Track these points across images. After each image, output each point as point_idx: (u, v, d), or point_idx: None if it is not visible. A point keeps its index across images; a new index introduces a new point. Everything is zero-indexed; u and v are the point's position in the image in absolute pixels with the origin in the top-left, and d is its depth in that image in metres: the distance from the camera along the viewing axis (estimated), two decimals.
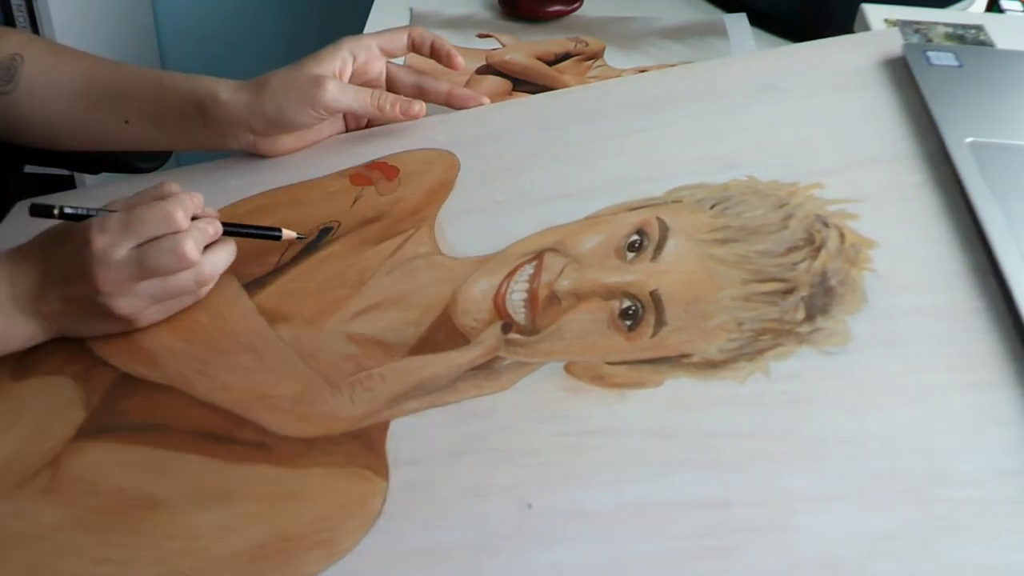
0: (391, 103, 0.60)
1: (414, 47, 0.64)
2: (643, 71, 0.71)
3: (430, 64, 0.66)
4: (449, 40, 0.77)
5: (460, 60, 0.63)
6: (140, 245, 0.49)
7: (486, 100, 0.64)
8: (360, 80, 0.62)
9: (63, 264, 0.49)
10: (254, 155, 0.64)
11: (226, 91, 0.60)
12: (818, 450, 0.39)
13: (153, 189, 0.52)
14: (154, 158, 0.81)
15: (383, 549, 0.40)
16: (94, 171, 0.90)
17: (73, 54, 0.65)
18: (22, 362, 0.53)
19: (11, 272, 0.50)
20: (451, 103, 0.64)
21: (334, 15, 1.45)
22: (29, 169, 0.89)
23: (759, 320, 0.44)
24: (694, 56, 0.73)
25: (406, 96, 0.63)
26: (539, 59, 0.74)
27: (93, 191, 0.68)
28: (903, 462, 0.38)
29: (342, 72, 0.61)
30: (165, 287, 0.50)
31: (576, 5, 0.79)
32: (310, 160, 0.62)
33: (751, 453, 0.39)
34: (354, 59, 0.61)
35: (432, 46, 0.64)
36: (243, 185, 0.62)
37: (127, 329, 0.51)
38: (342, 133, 0.65)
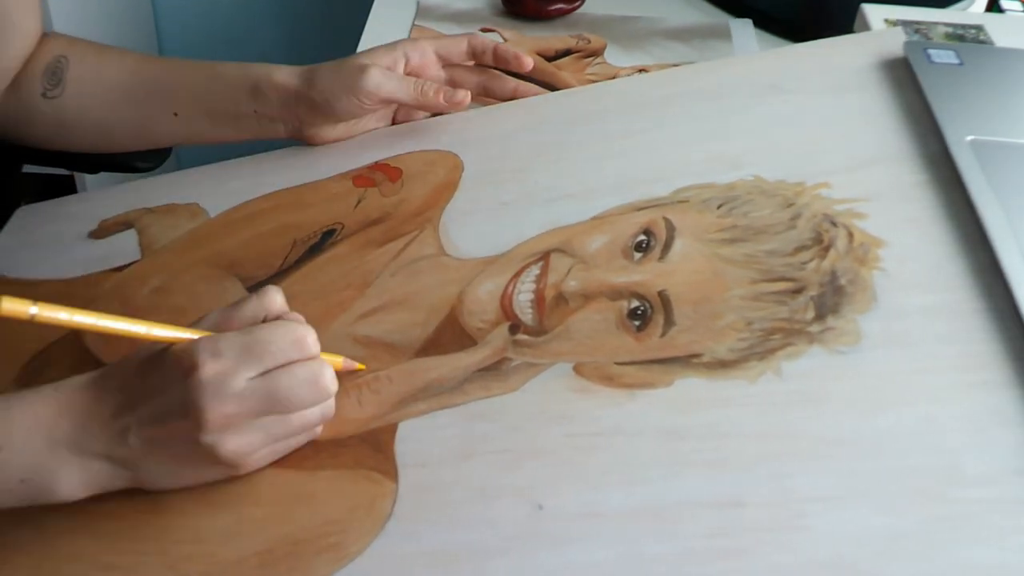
0: (435, 90, 0.59)
1: (474, 55, 0.63)
2: (642, 70, 0.71)
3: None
4: (450, 34, 0.78)
5: (528, 60, 0.62)
6: (263, 374, 0.40)
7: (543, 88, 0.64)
8: (421, 104, 0.61)
9: (156, 396, 0.40)
10: (256, 157, 0.64)
11: (280, 74, 0.59)
12: (830, 450, 0.39)
13: (255, 302, 0.42)
14: (153, 158, 0.80)
15: (393, 552, 0.40)
16: (92, 170, 0.90)
17: (118, 52, 0.64)
18: (27, 370, 0.52)
19: (82, 405, 0.41)
20: (517, 95, 0.64)
21: (335, 15, 1.45)
22: (28, 169, 0.89)
23: (769, 320, 0.44)
24: (696, 57, 0.73)
25: (472, 96, 0.62)
26: (540, 55, 0.74)
27: (85, 197, 0.67)
28: (914, 462, 0.38)
29: (393, 68, 0.60)
30: (288, 425, 0.41)
31: (578, 3, 0.79)
32: (313, 162, 0.62)
33: (762, 453, 0.39)
34: (407, 60, 0.60)
35: (495, 52, 0.62)
36: (246, 187, 0.62)
37: (222, 477, 0.42)
38: (386, 126, 0.64)
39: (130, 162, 0.77)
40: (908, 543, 0.36)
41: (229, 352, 0.40)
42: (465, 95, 0.59)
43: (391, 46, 0.61)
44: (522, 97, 0.64)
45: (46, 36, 0.65)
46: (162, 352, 0.41)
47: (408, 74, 0.60)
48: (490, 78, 0.64)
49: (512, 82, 0.64)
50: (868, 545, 0.36)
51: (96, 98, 0.62)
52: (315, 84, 0.59)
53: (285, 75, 0.59)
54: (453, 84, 0.63)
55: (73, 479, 0.41)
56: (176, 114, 0.62)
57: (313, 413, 0.42)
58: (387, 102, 0.60)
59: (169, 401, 0.40)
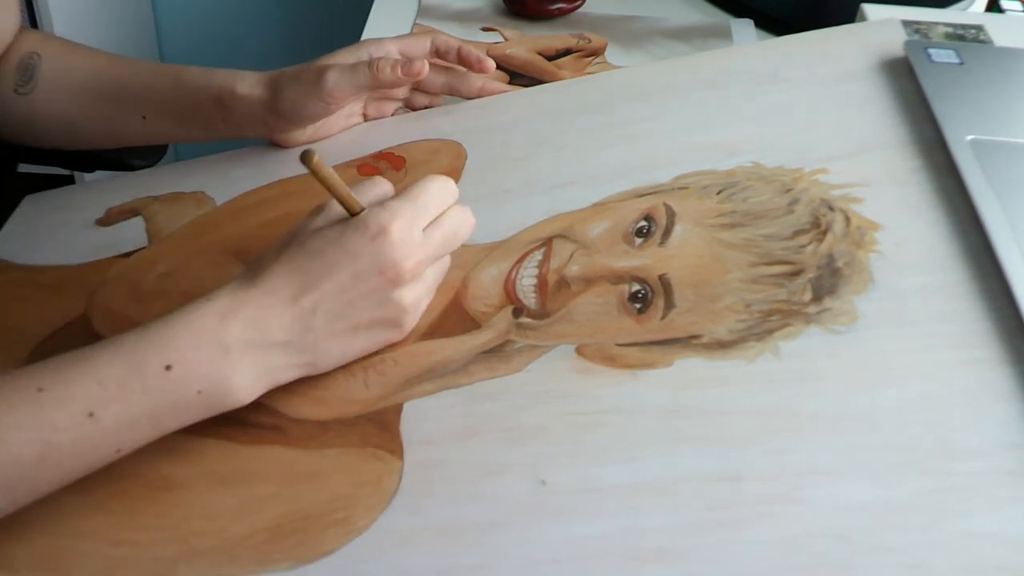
0: (390, 67, 0.58)
1: (438, 54, 0.63)
2: None
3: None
4: (453, 33, 0.79)
5: (490, 63, 0.63)
6: (432, 223, 0.46)
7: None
8: (380, 83, 0.61)
9: (344, 266, 0.43)
10: (260, 146, 0.65)
11: (243, 86, 0.60)
12: (827, 425, 0.40)
13: (381, 184, 0.48)
14: (150, 155, 0.81)
15: (399, 526, 0.40)
16: (89, 169, 0.91)
17: (89, 52, 0.65)
18: (37, 352, 0.53)
19: (252, 302, 0.43)
20: (484, 95, 0.64)
21: (335, 14, 1.45)
22: (27, 168, 0.90)
23: (767, 301, 0.45)
24: None
25: (434, 95, 0.63)
26: (540, 54, 0.74)
27: (92, 186, 0.68)
28: (909, 436, 0.39)
29: None
30: (443, 268, 0.48)
31: (579, 3, 0.80)
32: (317, 152, 0.63)
33: (760, 429, 0.40)
34: (370, 59, 0.60)
35: (459, 52, 0.62)
36: (249, 176, 0.62)
37: (388, 342, 0.47)
38: (360, 124, 0.65)
39: (127, 160, 0.78)
40: (903, 515, 0.37)
41: (404, 210, 0.44)
42: (423, 64, 0.59)
43: (355, 47, 0.61)
44: (489, 95, 0.64)
45: (20, 31, 0.65)
46: (331, 229, 0.45)
47: None
48: (455, 77, 0.64)
49: (478, 80, 0.64)
50: (864, 517, 0.37)
51: (66, 96, 0.63)
52: (280, 93, 0.59)
53: (248, 86, 0.60)
54: (418, 84, 0.64)
55: (248, 378, 0.43)
56: (144, 117, 0.63)
57: (452, 255, 0.48)
58: (351, 97, 0.61)
59: (361, 265, 0.43)
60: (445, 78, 0.64)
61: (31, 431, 0.39)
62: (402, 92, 0.65)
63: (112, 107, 0.63)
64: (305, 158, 0.43)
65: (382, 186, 0.48)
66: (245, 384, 0.42)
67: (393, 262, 0.44)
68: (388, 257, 0.44)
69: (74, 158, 0.84)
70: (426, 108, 0.65)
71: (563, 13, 0.79)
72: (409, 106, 0.66)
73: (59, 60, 0.63)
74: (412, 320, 0.47)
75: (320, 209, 0.46)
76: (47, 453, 0.40)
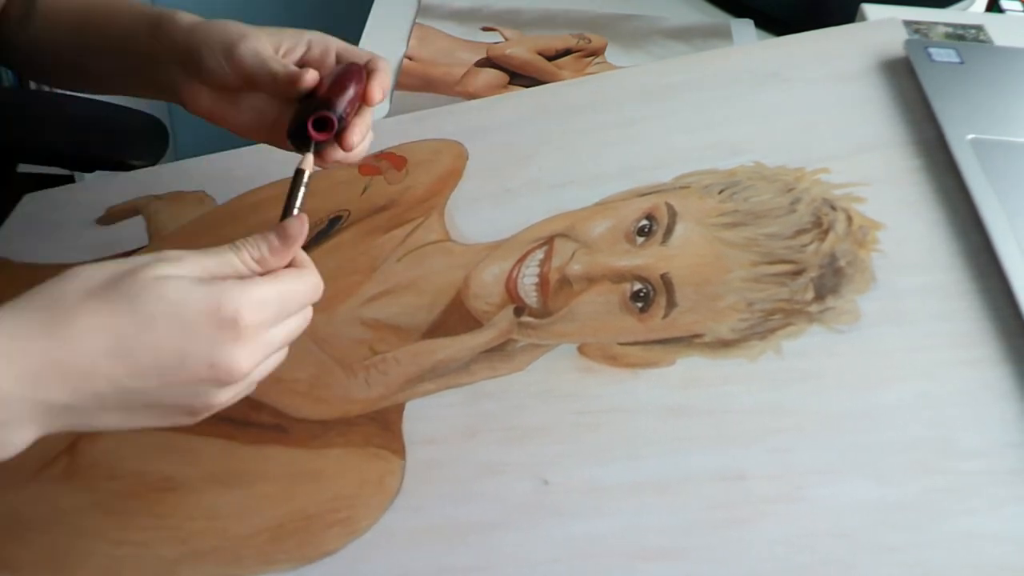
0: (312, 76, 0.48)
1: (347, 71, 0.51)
2: None
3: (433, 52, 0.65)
4: (454, 33, 0.79)
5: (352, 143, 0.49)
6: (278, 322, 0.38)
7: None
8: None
9: (183, 343, 0.35)
10: (260, 146, 0.65)
11: (186, 17, 0.52)
12: (829, 424, 0.40)
13: (294, 225, 0.40)
14: (149, 155, 0.81)
15: (402, 526, 0.40)
16: (89, 169, 0.91)
17: None
18: None
19: (54, 360, 0.35)
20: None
21: (336, 13, 1.45)
22: (27, 169, 0.90)
23: (769, 300, 0.45)
24: None
25: None
26: (540, 54, 0.75)
27: (92, 185, 0.68)
28: (911, 435, 0.39)
29: (289, 51, 0.52)
30: (268, 369, 0.39)
31: None
32: None
33: (763, 428, 0.40)
34: (308, 48, 0.53)
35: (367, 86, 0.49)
36: (250, 176, 0.62)
37: (174, 426, 0.38)
38: (264, 119, 0.53)
39: (126, 160, 0.78)
40: (904, 513, 0.37)
41: (267, 310, 0.37)
42: (314, 76, 0.48)
43: (299, 31, 0.54)
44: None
45: None
46: (177, 287, 0.36)
47: (302, 64, 0.51)
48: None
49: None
50: (866, 516, 0.37)
51: (54, 30, 0.59)
52: (201, 33, 0.51)
53: (188, 18, 0.52)
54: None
55: (27, 437, 0.36)
56: (101, 50, 0.56)
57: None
58: (243, 77, 0.50)
59: (193, 350, 0.35)
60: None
61: None
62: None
63: (81, 35, 0.58)
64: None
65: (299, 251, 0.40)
66: (12, 439, 0.35)
67: (230, 365, 0.36)
68: (226, 358, 0.36)
69: (74, 158, 0.84)
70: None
71: None
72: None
73: None
74: (208, 415, 0.39)
75: (162, 253, 0.37)
76: None
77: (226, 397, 0.37)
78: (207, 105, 0.53)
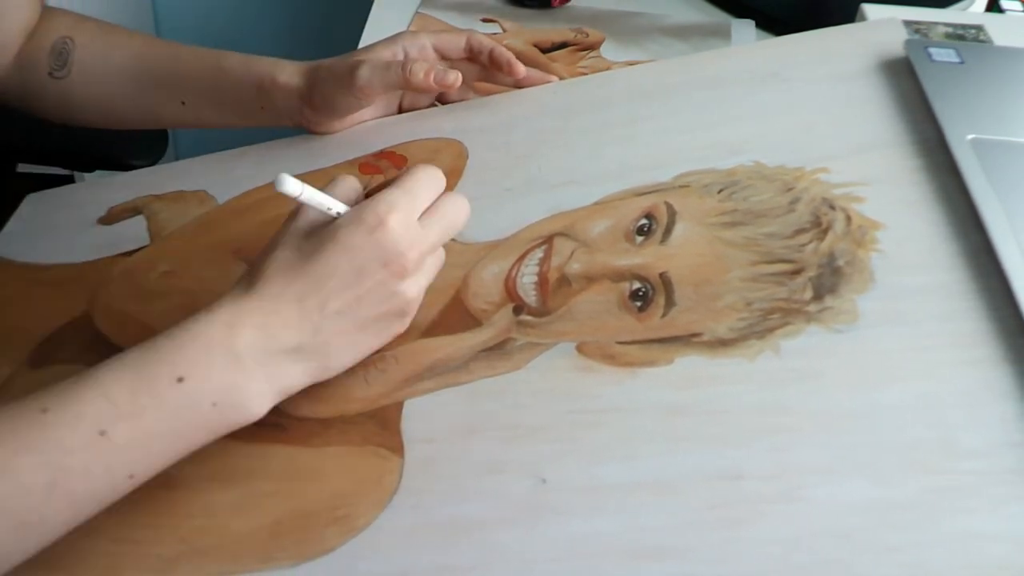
0: (424, 71, 0.58)
1: (471, 53, 0.63)
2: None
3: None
4: (454, 23, 0.79)
5: (521, 67, 0.62)
6: (425, 212, 0.44)
7: (553, 77, 0.64)
8: (410, 85, 0.60)
9: (343, 264, 0.42)
10: (261, 145, 0.65)
11: (283, 75, 0.60)
12: (828, 424, 0.40)
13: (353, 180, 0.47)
14: (150, 155, 0.81)
15: (400, 524, 0.40)
16: (89, 169, 0.91)
17: (125, 35, 0.64)
18: (39, 351, 0.53)
19: (256, 310, 0.41)
20: (522, 86, 0.64)
21: (335, 12, 1.46)
22: (27, 169, 0.90)
23: (768, 300, 0.45)
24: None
25: (472, 86, 0.63)
26: (536, 46, 0.75)
27: (93, 185, 0.68)
28: (910, 435, 0.39)
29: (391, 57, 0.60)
30: (441, 259, 0.46)
31: None
32: (319, 150, 0.63)
33: (762, 428, 0.40)
34: (405, 54, 0.61)
35: (491, 54, 0.62)
36: (251, 175, 0.63)
37: (393, 336, 0.45)
38: (396, 113, 0.65)
39: (125, 159, 0.78)
40: (904, 514, 0.37)
41: (400, 203, 0.43)
42: (456, 76, 0.59)
43: (391, 41, 0.61)
44: (527, 84, 0.64)
45: (50, 11, 0.65)
46: (323, 229, 0.43)
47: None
48: (491, 75, 0.64)
49: (519, 73, 0.63)
50: (864, 516, 0.37)
51: (103, 82, 0.63)
52: (315, 85, 0.60)
53: (287, 75, 0.60)
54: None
55: (263, 387, 0.41)
56: (183, 103, 0.63)
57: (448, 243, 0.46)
58: (382, 93, 0.61)
59: (362, 261, 0.42)
60: (478, 71, 0.64)
61: (39, 454, 0.37)
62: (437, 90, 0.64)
63: (149, 92, 0.63)
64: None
65: (350, 181, 0.47)
66: (259, 393, 0.41)
67: (397, 254, 0.42)
68: (391, 249, 0.42)
69: (74, 158, 0.84)
70: (458, 102, 0.65)
71: (562, 3, 0.79)
72: (446, 100, 0.65)
73: (94, 45, 0.63)
74: (415, 309, 0.45)
75: (298, 213, 0.45)
76: (57, 479, 0.37)
77: (416, 287, 0.44)
78: (343, 125, 0.63)
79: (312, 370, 0.43)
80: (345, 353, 0.44)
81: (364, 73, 0.58)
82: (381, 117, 0.64)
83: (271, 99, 0.61)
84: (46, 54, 0.63)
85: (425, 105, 0.65)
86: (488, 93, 0.65)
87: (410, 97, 0.65)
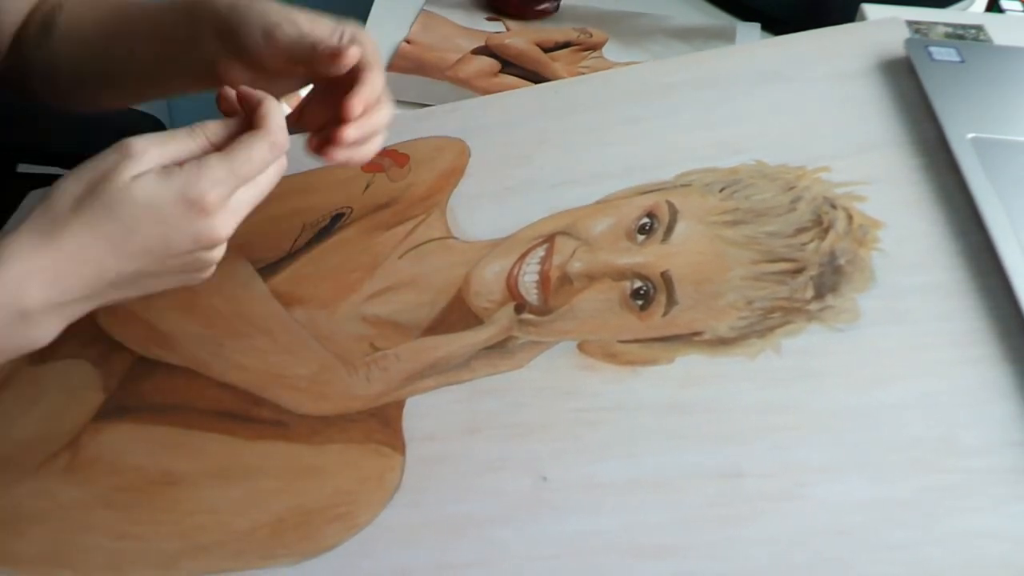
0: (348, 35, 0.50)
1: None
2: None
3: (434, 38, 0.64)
4: (459, 21, 0.79)
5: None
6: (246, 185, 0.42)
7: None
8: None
9: (165, 234, 0.40)
10: None
11: None
12: (829, 422, 0.40)
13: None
14: None
15: (401, 521, 0.41)
16: None
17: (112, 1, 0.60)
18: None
19: (56, 271, 0.40)
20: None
21: (336, 11, 1.45)
22: (24, 169, 0.90)
23: (769, 299, 0.45)
24: None
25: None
26: (539, 45, 0.75)
27: None
28: (911, 433, 0.39)
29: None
30: (257, 193, 0.44)
31: (556, 2, 0.80)
32: None
33: (763, 426, 0.40)
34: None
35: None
36: None
37: (192, 284, 0.44)
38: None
39: None
40: (904, 512, 0.37)
41: (226, 183, 0.41)
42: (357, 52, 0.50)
43: (337, 21, 0.52)
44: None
45: None
46: (145, 187, 0.40)
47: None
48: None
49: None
50: (865, 514, 0.37)
51: (76, 43, 0.60)
52: (238, 7, 0.52)
53: None
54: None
55: (49, 331, 0.41)
56: (132, 51, 0.57)
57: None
58: (285, 51, 0.51)
59: (176, 236, 0.40)
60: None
61: None
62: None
63: (108, 47, 0.58)
64: None
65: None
66: (45, 337, 0.41)
67: (210, 235, 0.41)
68: (205, 231, 0.41)
69: (73, 158, 0.84)
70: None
71: (547, 14, 0.80)
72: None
73: (79, 8, 0.61)
74: (212, 270, 0.44)
75: (126, 149, 0.41)
76: None
77: (218, 255, 0.43)
78: (245, 80, 0.52)
79: (90, 308, 0.42)
80: (131, 294, 0.43)
81: (289, 24, 0.50)
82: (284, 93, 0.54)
83: (199, 19, 0.53)
84: (37, 25, 0.62)
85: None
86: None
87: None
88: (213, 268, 0.44)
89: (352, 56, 0.48)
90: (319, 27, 0.50)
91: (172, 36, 0.55)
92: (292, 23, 0.50)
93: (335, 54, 0.48)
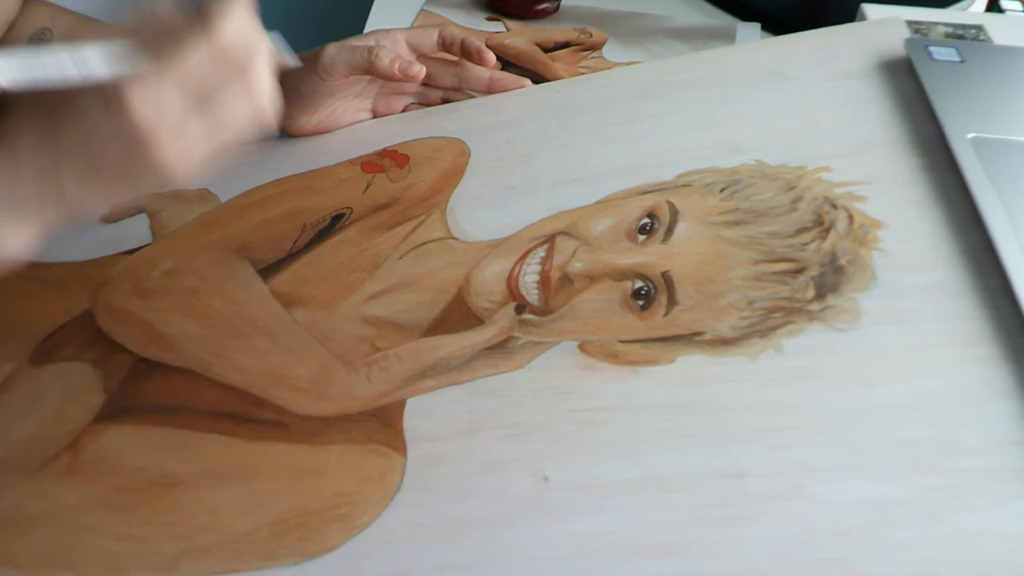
0: (390, 58, 0.58)
1: (444, 45, 0.63)
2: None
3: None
4: (458, 21, 0.79)
5: (490, 55, 0.62)
6: (205, 102, 0.38)
7: (527, 82, 0.63)
8: (375, 69, 0.61)
9: (88, 132, 0.37)
10: (263, 144, 0.65)
11: None
12: (830, 422, 0.40)
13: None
14: None
15: (402, 522, 0.41)
16: None
17: (104, 28, 0.63)
18: (40, 348, 0.53)
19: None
20: (493, 89, 0.64)
21: (336, 11, 1.45)
22: None
23: (770, 299, 0.45)
24: None
25: (448, 89, 0.63)
26: (539, 45, 0.75)
27: None
28: (912, 433, 0.39)
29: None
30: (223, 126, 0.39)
31: (556, 2, 0.80)
32: (321, 149, 0.63)
33: (764, 426, 0.40)
34: (377, 43, 0.61)
35: (462, 44, 0.62)
36: (253, 173, 0.63)
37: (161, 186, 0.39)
38: (368, 119, 0.65)
39: None
40: (905, 512, 0.37)
41: (157, 84, 0.36)
42: (421, 69, 0.59)
43: (364, 35, 0.61)
44: (499, 90, 0.64)
45: (31, 2, 0.64)
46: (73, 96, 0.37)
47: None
48: (462, 70, 0.64)
49: (484, 73, 0.63)
50: (866, 514, 0.37)
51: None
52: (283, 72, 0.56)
53: None
54: (430, 80, 0.64)
55: (19, 240, 0.39)
56: None
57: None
58: (347, 77, 0.60)
59: (100, 138, 0.37)
60: (452, 71, 0.64)
61: None
62: (411, 87, 0.65)
63: None
64: None
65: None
66: (17, 246, 0.39)
67: (137, 140, 0.36)
68: (130, 135, 0.36)
69: None
70: (442, 104, 0.65)
71: (547, 14, 0.80)
72: (423, 102, 0.66)
73: (73, 36, 0.62)
74: (182, 172, 0.38)
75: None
76: None
77: (171, 154, 0.37)
78: (314, 124, 0.63)
79: (63, 216, 0.39)
80: (94, 204, 0.40)
81: (330, 51, 0.58)
82: (352, 121, 0.64)
83: None
84: (24, 45, 0.63)
85: (399, 109, 0.65)
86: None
87: (384, 101, 0.64)
88: (175, 176, 0.38)
89: (420, 73, 0.60)
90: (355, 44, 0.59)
91: None
92: (328, 49, 0.58)
93: (404, 73, 0.60)
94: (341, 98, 0.62)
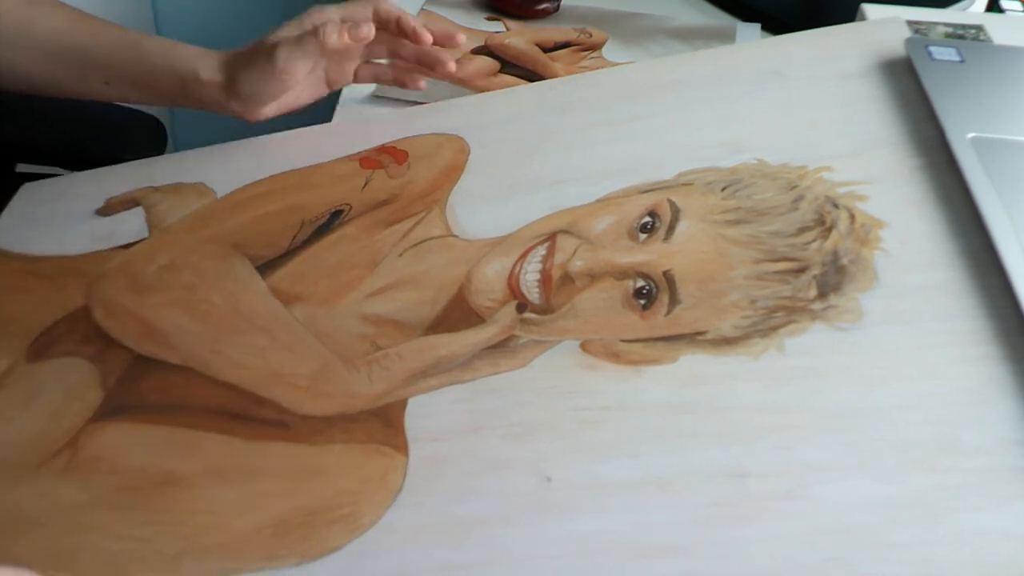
0: (336, 32, 0.58)
1: (379, 22, 0.61)
2: None
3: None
4: (459, 20, 0.79)
5: (427, 35, 0.61)
6: None
7: (462, 38, 0.63)
8: (328, 50, 0.60)
9: None
10: (261, 138, 0.65)
11: (206, 71, 0.61)
12: (832, 422, 0.40)
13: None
14: (147, 155, 0.80)
15: (405, 522, 0.40)
16: (88, 168, 0.90)
17: (48, 7, 0.64)
18: (36, 344, 0.53)
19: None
20: (427, 62, 0.62)
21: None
22: (23, 168, 0.89)
23: (772, 298, 0.45)
24: None
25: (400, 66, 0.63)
26: (538, 44, 0.75)
27: (91, 175, 0.67)
28: (914, 433, 0.39)
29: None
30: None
31: (556, 2, 0.80)
32: (319, 144, 0.63)
33: (766, 426, 0.40)
34: (314, 26, 0.60)
35: (398, 22, 0.61)
36: (252, 168, 0.62)
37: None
38: (323, 94, 0.64)
39: (124, 159, 0.77)
40: (908, 512, 0.37)
41: None
42: (370, 28, 0.58)
43: (298, 18, 0.61)
44: (428, 66, 0.62)
45: None
46: None
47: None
48: (395, 43, 0.63)
49: (415, 48, 0.62)
50: (868, 514, 0.37)
51: (24, 54, 0.63)
52: (236, 77, 0.60)
53: (210, 72, 0.61)
54: (363, 53, 0.63)
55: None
56: (107, 83, 0.64)
57: None
58: (305, 69, 0.60)
59: None
60: (387, 46, 0.63)
61: None
62: (358, 48, 0.63)
63: (74, 70, 0.63)
64: None
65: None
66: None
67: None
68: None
69: (72, 157, 0.83)
70: (395, 83, 0.65)
71: (547, 14, 0.79)
72: (354, 81, 0.65)
73: (17, 12, 0.63)
74: None
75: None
76: None
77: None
78: (273, 111, 0.63)
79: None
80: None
81: (282, 55, 0.58)
82: (315, 98, 0.64)
83: (195, 93, 0.62)
84: None
85: (351, 73, 0.64)
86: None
87: (336, 69, 0.63)
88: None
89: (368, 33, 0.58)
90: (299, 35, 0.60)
91: (160, 89, 0.63)
92: (286, 48, 0.59)
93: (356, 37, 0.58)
94: (296, 83, 0.62)
